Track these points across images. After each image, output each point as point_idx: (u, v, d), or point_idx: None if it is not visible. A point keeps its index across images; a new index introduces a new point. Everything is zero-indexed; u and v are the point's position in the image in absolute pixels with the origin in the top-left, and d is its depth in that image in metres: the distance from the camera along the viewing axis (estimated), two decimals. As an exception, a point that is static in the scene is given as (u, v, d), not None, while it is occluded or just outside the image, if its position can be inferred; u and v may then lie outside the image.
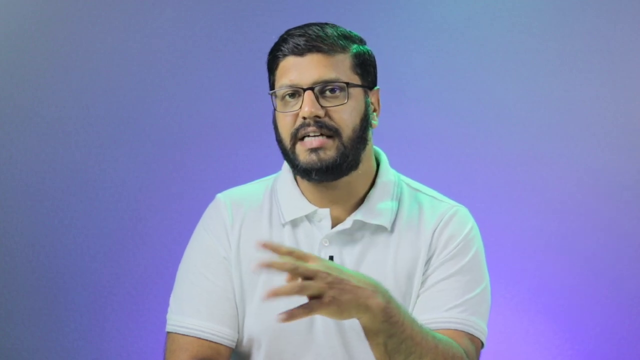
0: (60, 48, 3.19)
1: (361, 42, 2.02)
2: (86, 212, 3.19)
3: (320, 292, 1.67)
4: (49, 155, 3.18)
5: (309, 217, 2.01)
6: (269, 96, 2.01)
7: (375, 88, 2.04)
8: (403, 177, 2.08)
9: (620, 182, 3.19)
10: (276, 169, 2.14)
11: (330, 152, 1.94)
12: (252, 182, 2.12)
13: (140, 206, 3.21)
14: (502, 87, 3.24)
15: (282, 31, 2.01)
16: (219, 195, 2.09)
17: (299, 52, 1.95)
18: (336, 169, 1.95)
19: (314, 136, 1.94)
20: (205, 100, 3.23)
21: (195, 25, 3.23)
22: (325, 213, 1.99)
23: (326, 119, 1.94)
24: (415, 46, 3.25)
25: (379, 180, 2.03)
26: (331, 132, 1.94)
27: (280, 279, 1.97)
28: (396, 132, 3.18)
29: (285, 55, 1.97)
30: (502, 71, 3.23)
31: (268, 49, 2.02)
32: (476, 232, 2.03)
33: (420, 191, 2.07)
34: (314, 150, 1.94)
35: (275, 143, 2.03)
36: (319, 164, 1.94)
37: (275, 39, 2.02)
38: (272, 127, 2.04)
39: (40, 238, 3.18)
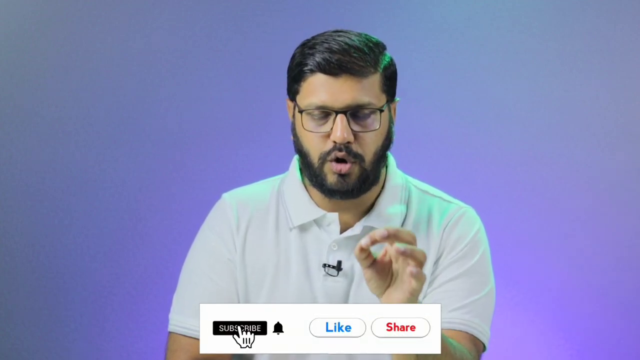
0: (60, 48, 3.19)
1: (384, 48, 1.96)
2: (86, 212, 3.18)
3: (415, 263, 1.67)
4: (49, 155, 3.18)
5: (317, 222, 2.00)
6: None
7: (397, 99, 2.02)
8: (410, 179, 2.08)
9: (620, 182, 3.19)
10: (276, 169, 2.13)
11: (353, 176, 1.92)
12: (258, 182, 2.10)
13: (140, 206, 3.20)
14: (502, 87, 3.24)
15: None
16: (225, 195, 2.06)
17: (331, 71, 1.88)
18: (359, 190, 1.93)
19: (343, 161, 1.91)
20: (205, 100, 3.22)
21: (195, 25, 3.23)
22: (334, 217, 1.98)
23: (354, 145, 1.91)
24: (415, 46, 3.24)
25: (387, 185, 2.02)
26: (356, 159, 1.92)
27: (286, 280, 1.98)
28: (396, 132, 3.17)
29: (313, 71, 1.90)
30: (502, 71, 3.23)
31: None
32: (483, 233, 2.03)
33: (428, 193, 2.06)
34: (342, 175, 1.91)
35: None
36: (345, 187, 1.92)
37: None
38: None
39: (40, 238, 3.17)
